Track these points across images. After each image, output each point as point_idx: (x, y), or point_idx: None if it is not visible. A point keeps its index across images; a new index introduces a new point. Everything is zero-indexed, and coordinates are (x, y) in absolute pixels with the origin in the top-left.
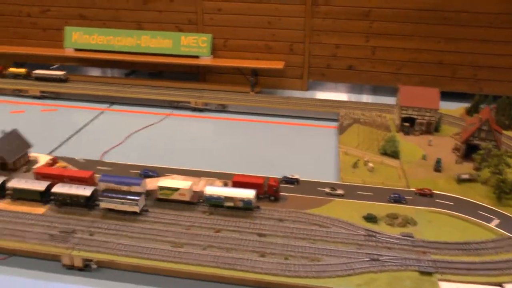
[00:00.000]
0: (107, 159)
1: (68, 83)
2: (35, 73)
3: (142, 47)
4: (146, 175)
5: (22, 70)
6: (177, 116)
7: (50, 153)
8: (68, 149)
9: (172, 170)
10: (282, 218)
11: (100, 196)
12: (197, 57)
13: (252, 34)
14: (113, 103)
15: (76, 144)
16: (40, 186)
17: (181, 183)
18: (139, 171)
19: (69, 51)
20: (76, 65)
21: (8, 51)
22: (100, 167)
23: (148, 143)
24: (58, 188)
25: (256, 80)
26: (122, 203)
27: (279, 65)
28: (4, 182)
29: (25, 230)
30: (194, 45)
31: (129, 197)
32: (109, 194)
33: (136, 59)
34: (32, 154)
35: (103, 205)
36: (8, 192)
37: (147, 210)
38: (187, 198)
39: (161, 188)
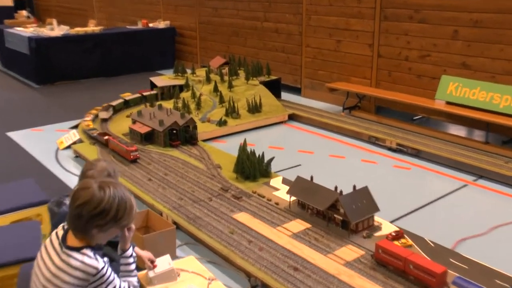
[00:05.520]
0: (462, 250)
1: (430, 141)
2: None
3: None
4: None
5: None
6: None
7: (393, 222)
8: (415, 222)
9: None
10: None
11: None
12: None
13: None
14: (481, 176)
15: (426, 218)
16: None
17: None
18: (506, 285)
19: (439, 103)
20: (443, 120)
21: (373, 94)
22: (452, 260)
23: None
24: None
25: None
26: None
27: None
28: None
29: None
30: None
31: None
32: None
33: None
34: (376, 218)
35: None
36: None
37: None
38: None
39: None
